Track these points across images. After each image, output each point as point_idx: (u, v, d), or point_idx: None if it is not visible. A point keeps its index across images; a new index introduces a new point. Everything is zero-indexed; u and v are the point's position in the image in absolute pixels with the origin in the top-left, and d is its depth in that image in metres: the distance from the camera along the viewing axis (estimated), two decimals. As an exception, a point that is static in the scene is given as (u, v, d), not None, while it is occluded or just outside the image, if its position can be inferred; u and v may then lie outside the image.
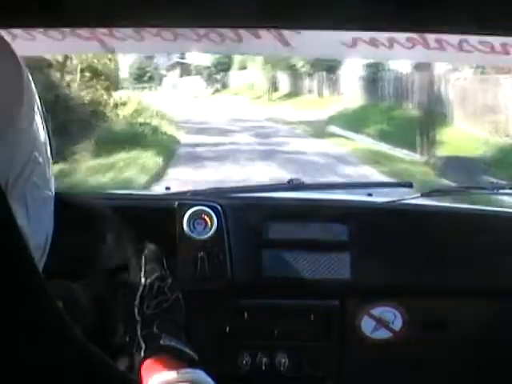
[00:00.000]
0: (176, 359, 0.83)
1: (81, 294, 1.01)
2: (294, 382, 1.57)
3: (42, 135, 0.63)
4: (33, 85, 0.63)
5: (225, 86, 27.42)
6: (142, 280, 0.94)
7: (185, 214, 1.49)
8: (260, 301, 1.54)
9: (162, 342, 0.86)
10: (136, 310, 0.91)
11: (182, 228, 1.48)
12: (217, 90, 27.33)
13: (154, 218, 1.51)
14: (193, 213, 1.49)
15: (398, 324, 1.55)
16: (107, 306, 1.01)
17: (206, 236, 1.49)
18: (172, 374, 0.80)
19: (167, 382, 0.78)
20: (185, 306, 0.95)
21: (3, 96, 0.58)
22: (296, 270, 1.52)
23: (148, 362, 0.83)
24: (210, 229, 1.49)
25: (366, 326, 1.55)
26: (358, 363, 1.60)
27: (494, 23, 0.96)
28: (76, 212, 1.08)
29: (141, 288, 0.93)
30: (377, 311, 1.55)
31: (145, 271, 0.96)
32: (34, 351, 0.43)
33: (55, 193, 0.78)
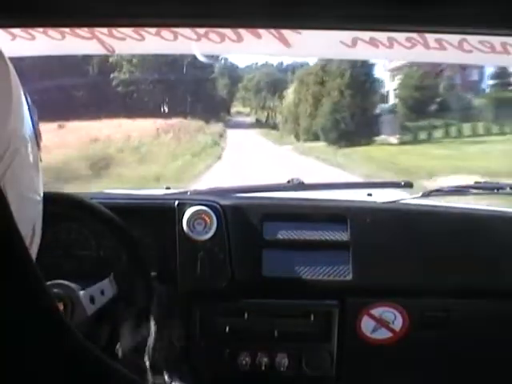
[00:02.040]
0: None
1: (80, 294, 1.02)
2: (294, 382, 1.57)
3: (28, 126, 0.62)
4: (18, 80, 0.62)
5: None
6: (152, 329, 0.96)
7: (184, 213, 1.49)
8: (260, 301, 1.54)
9: None
10: (147, 362, 0.92)
11: (182, 228, 1.48)
12: None
13: (153, 217, 1.51)
14: (193, 213, 1.48)
15: (398, 324, 1.55)
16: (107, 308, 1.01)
17: (205, 236, 1.48)
18: None
19: None
20: (185, 306, 0.96)
21: None
22: (296, 270, 1.51)
23: None
24: (210, 229, 1.48)
25: (366, 326, 1.55)
26: (358, 363, 1.60)
27: (494, 23, 0.96)
28: (62, 208, 1.08)
29: (150, 340, 0.95)
30: (377, 311, 1.55)
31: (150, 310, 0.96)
32: (33, 351, 0.43)
33: (48, 192, 0.78)
